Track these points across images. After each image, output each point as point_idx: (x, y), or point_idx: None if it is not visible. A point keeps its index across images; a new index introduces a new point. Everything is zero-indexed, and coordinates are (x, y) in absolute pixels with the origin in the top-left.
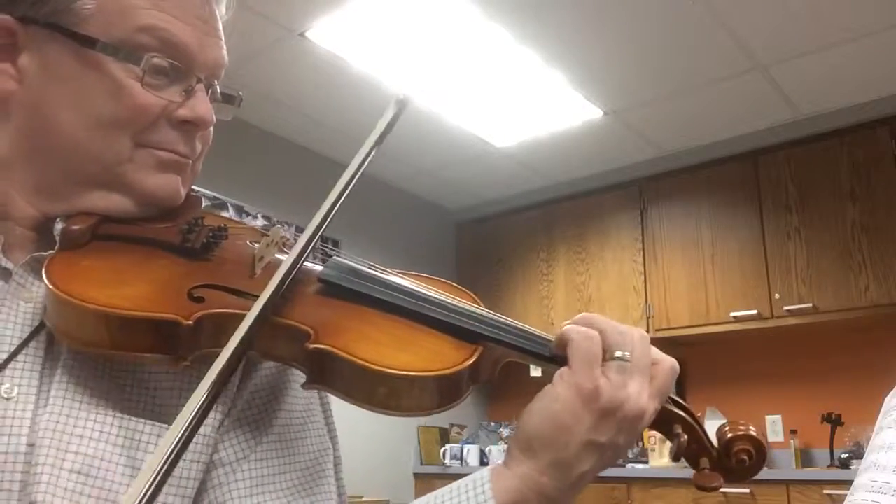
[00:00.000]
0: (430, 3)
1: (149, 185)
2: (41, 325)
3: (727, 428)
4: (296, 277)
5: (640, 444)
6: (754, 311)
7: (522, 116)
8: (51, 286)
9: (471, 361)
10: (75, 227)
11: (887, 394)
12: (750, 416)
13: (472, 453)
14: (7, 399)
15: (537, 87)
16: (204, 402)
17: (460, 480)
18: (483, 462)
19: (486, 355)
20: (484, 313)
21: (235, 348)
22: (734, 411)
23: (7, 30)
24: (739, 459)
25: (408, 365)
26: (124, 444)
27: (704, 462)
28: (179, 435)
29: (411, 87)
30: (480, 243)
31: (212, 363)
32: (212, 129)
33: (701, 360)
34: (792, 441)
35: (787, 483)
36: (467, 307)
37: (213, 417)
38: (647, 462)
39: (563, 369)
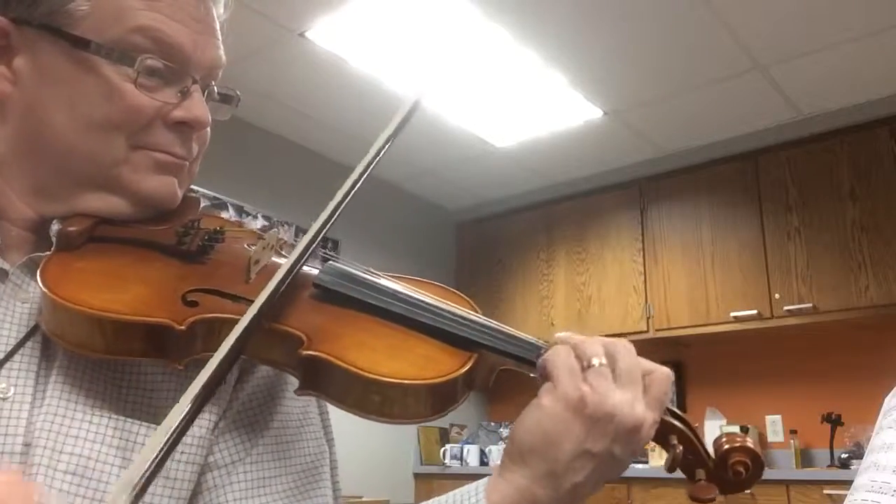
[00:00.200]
0: (430, 3)
1: (145, 187)
2: (37, 326)
3: (724, 439)
4: (291, 282)
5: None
6: (754, 311)
7: (522, 116)
8: (45, 289)
9: (465, 369)
10: (71, 228)
11: (887, 394)
12: (750, 416)
13: (472, 453)
14: (3, 399)
15: (537, 87)
16: (191, 407)
17: (453, 492)
18: (483, 462)
19: (481, 362)
20: (480, 320)
21: (227, 353)
22: (734, 411)
23: (1, 31)
24: (736, 471)
25: (401, 372)
26: (119, 446)
27: (700, 473)
28: (166, 438)
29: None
30: (480, 243)
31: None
32: (209, 129)
33: (701, 360)
34: (792, 441)
35: (787, 483)
36: (463, 314)
37: (207, 419)
38: (647, 462)
39: (548, 383)
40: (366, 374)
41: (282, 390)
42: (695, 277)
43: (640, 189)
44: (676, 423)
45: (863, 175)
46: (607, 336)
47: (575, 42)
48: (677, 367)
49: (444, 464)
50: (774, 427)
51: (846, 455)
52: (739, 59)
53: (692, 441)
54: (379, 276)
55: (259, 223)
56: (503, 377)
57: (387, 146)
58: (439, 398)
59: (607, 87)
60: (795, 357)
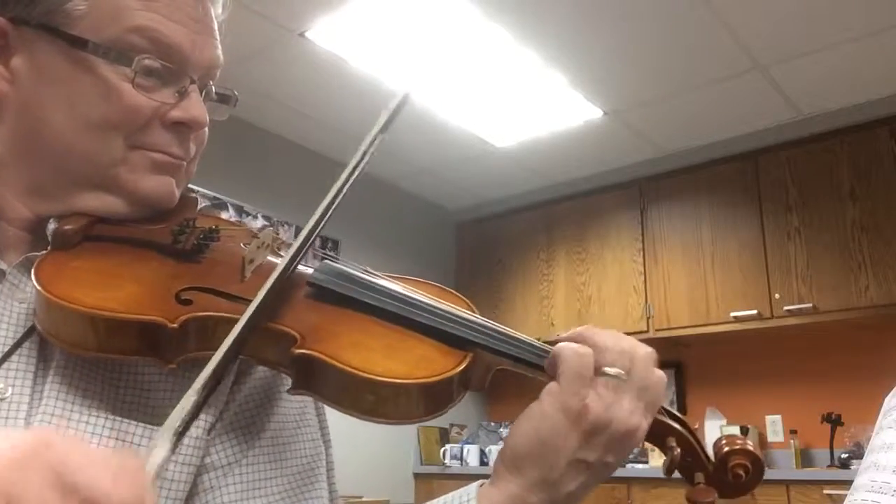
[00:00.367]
0: (430, 3)
1: (142, 187)
2: (35, 326)
3: (724, 442)
4: (286, 281)
5: (641, 444)
6: (754, 311)
7: (522, 116)
8: (39, 287)
9: (460, 369)
10: (67, 227)
11: (887, 394)
12: (750, 416)
13: (472, 453)
14: (1, 399)
15: (537, 87)
16: (191, 408)
17: (445, 496)
18: (483, 462)
19: (477, 362)
20: (476, 319)
21: (224, 354)
22: (734, 411)
23: None
24: (736, 474)
25: (396, 372)
26: (115, 446)
27: (699, 476)
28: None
29: (415, 80)
30: (480, 243)
31: (199, 366)
32: (206, 129)
33: (701, 360)
34: (792, 441)
35: (787, 483)
36: (459, 313)
37: (203, 420)
38: (647, 462)
39: (552, 385)
40: (359, 373)
41: (278, 392)
42: (695, 277)
43: (640, 189)
44: (674, 424)
45: (863, 175)
46: None
47: (575, 42)
48: (677, 367)
49: (444, 464)
50: (774, 427)
51: (846, 455)
52: (739, 59)
53: (690, 443)
54: (375, 275)
55: (259, 223)
56: (503, 378)
57: (376, 142)
58: (434, 398)
59: (607, 87)
60: (795, 357)
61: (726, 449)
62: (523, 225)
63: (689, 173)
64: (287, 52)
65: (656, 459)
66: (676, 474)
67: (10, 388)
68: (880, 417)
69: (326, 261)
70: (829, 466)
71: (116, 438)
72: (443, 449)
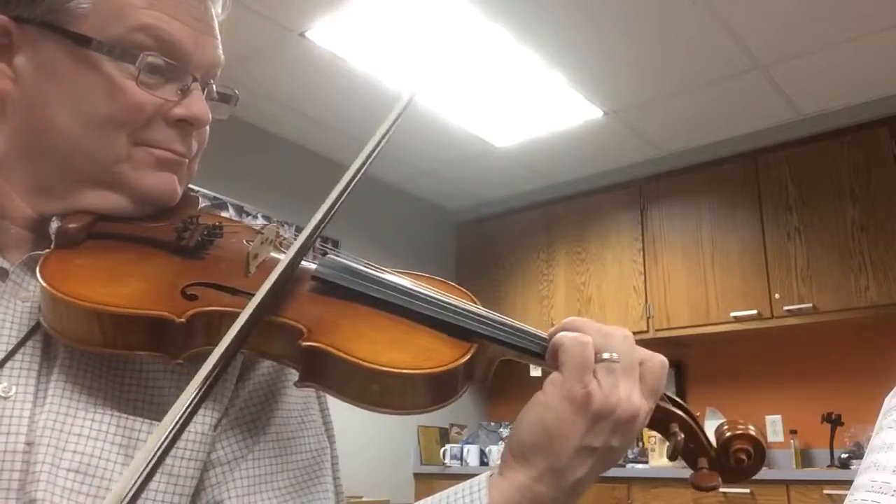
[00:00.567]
0: (430, 3)
1: (145, 184)
2: (39, 324)
3: (726, 427)
4: (291, 274)
5: (640, 444)
6: (754, 311)
7: (522, 116)
8: (44, 284)
9: (465, 359)
10: (71, 225)
11: (887, 394)
12: (750, 416)
13: (472, 453)
14: (5, 398)
15: (537, 87)
16: (193, 399)
17: (456, 487)
18: (483, 462)
19: (481, 353)
20: (479, 311)
21: (228, 346)
22: (734, 411)
23: (2, 29)
24: (738, 459)
25: (401, 362)
26: (122, 443)
27: (702, 462)
28: (167, 433)
29: (417, 82)
30: (480, 243)
31: (204, 362)
32: (208, 128)
33: (701, 360)
34: (792, 441)
35: (787, 483)
36: (462, 305)
37: (209, 416)
38: (647, 462)
39: (555, 375)
40: (365, 364)
41: (283, 387)
42: (695, 277)
43: (640, 189)
44: (677, 410)
45: (863, 175)
46: None
47: (575, 42)
48: (677, 367)
49: (444, 464)
50: (774, 427)
51: (846, 455)
52: (739, 59)
53: (693, 428)
54: (378, 269)
55: (259, 223)
56: (503, 378)
57: (381, 145)
58: (439, 388)
59: (607, 87)
60: (795, 357)
61: (728, 434)
62: (523, 225)
63: (689, 173)
64: (287, 52)
65: (656, 459)
66: (678, 473)
67: (14, 387)
68: (880, 417)
69: (331, 255)
70: (829, 466)
71: (123, 435)
72: (443, 449)
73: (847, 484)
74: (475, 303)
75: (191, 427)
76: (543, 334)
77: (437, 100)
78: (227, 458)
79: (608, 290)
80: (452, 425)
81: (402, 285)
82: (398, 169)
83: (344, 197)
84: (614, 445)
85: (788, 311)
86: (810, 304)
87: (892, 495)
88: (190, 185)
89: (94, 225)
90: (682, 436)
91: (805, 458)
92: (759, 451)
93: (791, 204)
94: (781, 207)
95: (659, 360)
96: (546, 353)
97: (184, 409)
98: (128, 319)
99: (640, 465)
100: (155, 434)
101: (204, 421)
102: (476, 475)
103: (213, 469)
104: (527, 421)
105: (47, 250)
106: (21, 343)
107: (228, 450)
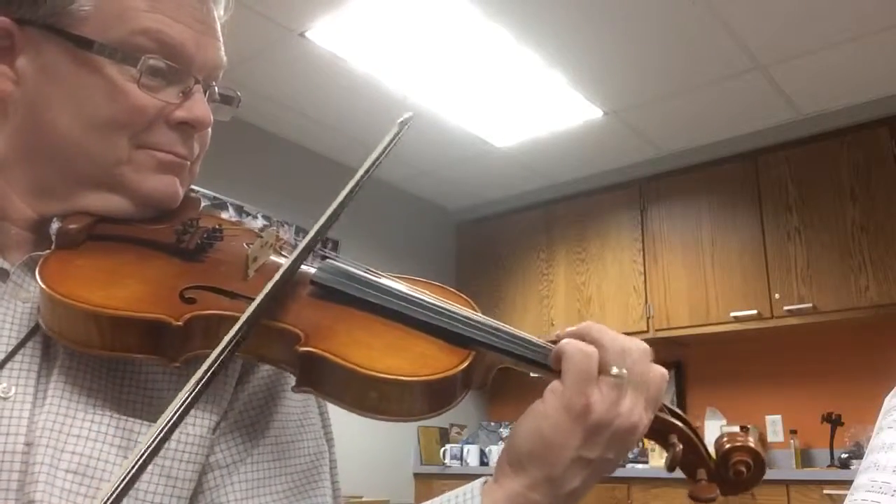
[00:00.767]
0: (430, 3)
1: (147, 187)
2: (38, 326)
3: (725, 439)
4: (289, 280)
5: (641, 444)
6: (754, 311)
7: (522, 116)
8: (43, 285)
9: (462, 366)
10: (71, 226)
11: (887, 394)
12: (750, 416)
13: (472, 453)
14: (4, 399)
15: (537, 87)
16: (185, 401)
17: (448, 493)
18: (483, 462)
19: (479, 360)
20: (478, 318)
21: (223, 349)
22: (734, 411)
23: (4, 31)
24: (737, 471)
25: (398, 369)
26: (120, 445)
27: (701, 473)
28: (157, 434)
29: (414, 91)
30: (480, 243)
31: (202, 365)
32: (210, 130)
33: (701, 360)
34: (792, 441)
35: (787, 483)
36: (461, 312)
37: (208, 419)
38: (647, 462)
39: (555, 383)
40: (362, 370)
41: (282, 391)
42: (695, 277)
43: (640, 189)
44: (676, 421)
45: (863, 175)
46: None
47: (575, 42)
48: (677, 367)
49: (444, 464)
50: (774, 427)
51: (846, 455)
52: (739, 59)
53: (692, 440)
54: (377, 274)
55: (259, 223)
56: (503, 378)
57: (372, 170)
58: (437, 395)
59: (607, 87)
60: (795, 357)
61: (728, 446)
62: (523, 225)
63: (689, 173)
64: (287, 52)
65: (656, 459)
66: (678, 473)
67: (13, 388)
68: (880, 417)
69: (329, 260)
70: (829, 466)
71: (121, 437)
72: (443, 449)
73: (847, 484)
74: (475, 309)
75: (189, 430)
76: (543, 342)
77: (437, 100)
78: (226, 461)
79: (608, 290)
80: (452, 425)
81: (400, 291)
82: (398, 169)
83: (343, 209)
84: (610, 457)
85: (788, 311)
86: (810, 304)
87: (892, 495)
88: (191, 186)
89: (95, 226)
90: (681, 447)
91: (805, 458)
92: (758, 464)
93: (791, 204)
94: (781, 207)
95: (660, 372)
96: (548, 359)
97: (175, 410)
98: (125, 322)
99: (640, 465)
100: (147, 435)
101: (203, 424)
102: (476, 475)
103: (212, 472)
104: (524, 429)
105: (48, 251)
106: (21, 344)
107: (227, 453)
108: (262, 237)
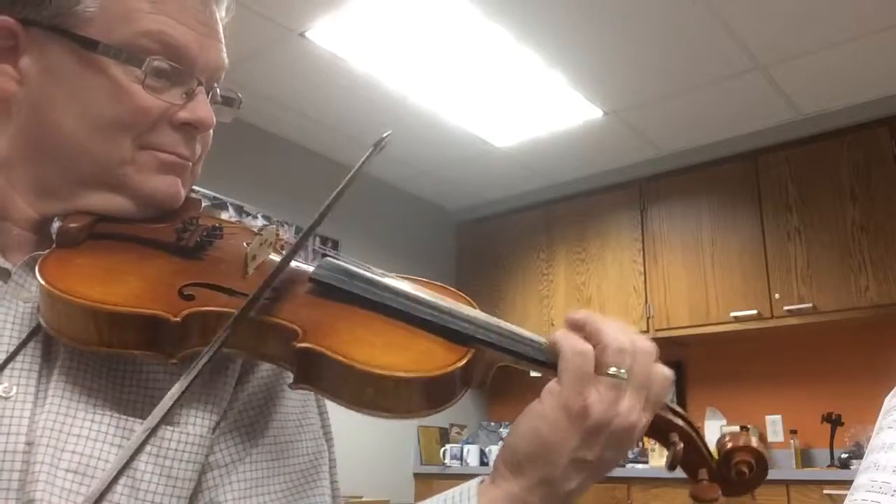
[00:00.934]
0: (430, 3)
1: (149, 187)
2: (39, 326)
3: (727, 438)
4: (288, 277)
5: (640, 444)
6: (754, 311)
7: (522, 116)
8: (42, 282)
9: (461, 364)
10: (71, 225)
11: (887, 394)
12: (750, 416)
13: (472, 453)
14: (6, 398)
15: (537, 87)
16: (176, 396)
17: (444, 493)
18: (483, 462)
19: (478, 358)
20: (477, 316)
21: (214, 343)
22: (734, 411)
23: (8, 31)
24: (739, 471)
25: (396, 366)
26: (120, 444)
27: (702, 473)
28: (147, 429)
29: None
30: (480, 243)
31: None
32: (211, 131)
33: (701, 360)
34: (792, 441)
35: (787, 483)
36: (460, 309)
37: (208, 419)
38: (647, 462)
39: (552, 384)
40: (360, 366)
41: (281, 390)
42: (695, 277)
43: (640, 189)
44: (677, 420)
45: (863, 175)
46: None
47: (575, 42)
48: (677, 367)
49: (444, 464)
50: (774, 427)
51: (846, 455)
52: (739, 59)
53: (693, 439)
54: (376, 272)
55: (259, 223)
56: (503, 378)
57: (346, 187)
58: (435, 392)
59: (607, 87)
60: (795, 357)
61: (730, 445)
62: (523, 225)
63: (689, 173)
64: (287, 52)
65: (656, 459)
66: (678, 473)
67: (14, 388)
68: (880, 417)
69: (328, 258)
70: (829, 466)
71: (122, 437)
72: (443, 449)
73: (847, 484)
74: (474, 307)
75: (189, 430)
76: (543, 340)
77: (437, 100)
78: (225, 460)
79: (608, 290)
80: (452, 425)
81: (399, 289)
82: (398, 169)
83: (340, 198)
84: (608, 457)
85: (788, 311)
86: (810, 304)
87: (892, 495)
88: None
89: (95, 225)
90: (682, 445)
91: (805, 458)
92: (761, 464)
93: (791, 204)
94: (781, 207)
95: (664, 373)
96: (547, 357)
97: (168, 403)
98: (123, 318)
99: (640, 465)
100: (140, 430)
101: (203, 424)
102: (476, 475)
103: (211, 471)
104: (521, 430)
105: (48, 250)
106: (23, 344)
107: (226, 452)
108: (261, 235)
